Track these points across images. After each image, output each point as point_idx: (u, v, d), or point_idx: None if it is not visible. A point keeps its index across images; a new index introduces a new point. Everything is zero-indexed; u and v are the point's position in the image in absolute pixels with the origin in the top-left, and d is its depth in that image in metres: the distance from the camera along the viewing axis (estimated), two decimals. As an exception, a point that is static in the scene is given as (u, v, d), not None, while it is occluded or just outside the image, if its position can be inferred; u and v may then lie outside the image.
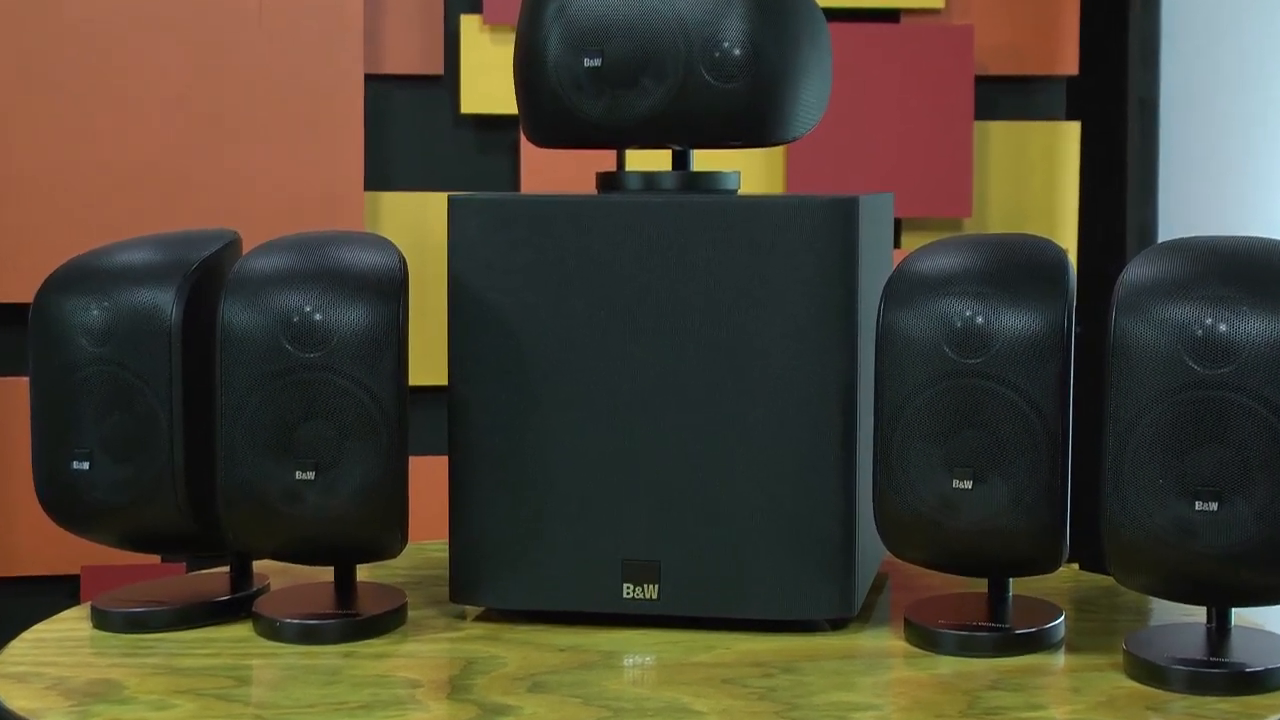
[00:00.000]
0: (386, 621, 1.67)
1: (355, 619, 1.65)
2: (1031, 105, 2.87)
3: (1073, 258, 2.79)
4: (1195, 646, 1.53)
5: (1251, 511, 1.44)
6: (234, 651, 1.62)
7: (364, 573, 1.85)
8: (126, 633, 1.67)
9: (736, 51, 1.66)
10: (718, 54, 1.66)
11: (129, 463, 1.67)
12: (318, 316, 1.60)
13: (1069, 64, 2.84)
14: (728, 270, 1.63)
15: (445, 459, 1.71)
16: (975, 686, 1.51)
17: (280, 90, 2.63)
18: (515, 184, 2.74)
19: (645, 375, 1.65)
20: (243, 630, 1.68)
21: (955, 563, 1.62)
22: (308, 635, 1.64)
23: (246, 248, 1.73)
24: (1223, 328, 1.45)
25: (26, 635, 1.68)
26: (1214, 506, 1.45)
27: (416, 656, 1.61)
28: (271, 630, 1.65)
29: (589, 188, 1.79)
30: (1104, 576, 1.83)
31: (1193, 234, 1.57)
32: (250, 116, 2.63)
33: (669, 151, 1.76)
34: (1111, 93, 2.84)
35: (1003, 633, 1.60)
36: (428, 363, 2.42)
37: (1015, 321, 1.54)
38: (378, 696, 1.49)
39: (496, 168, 2.74)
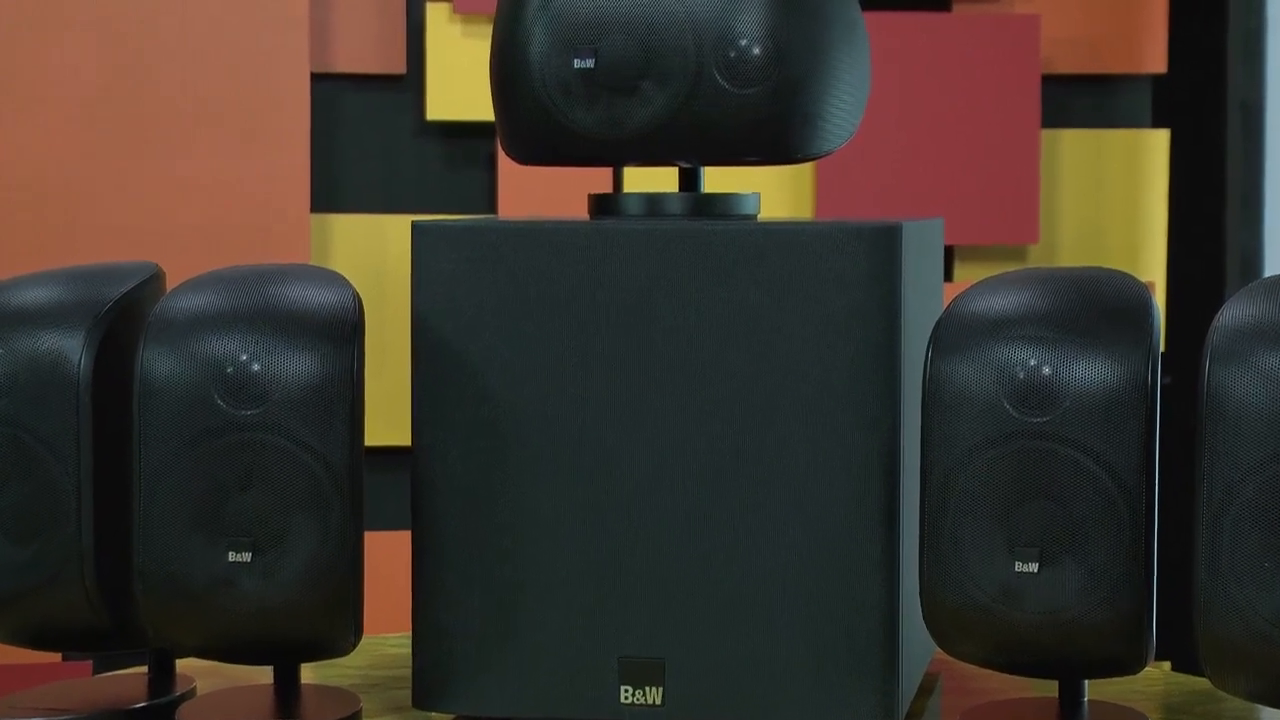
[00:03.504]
0: (337, 732, 1.68)
1: (299, 729, 1.66)
2: (1110, 109, 2.89)
3: (1160, 294, 2.81)
4: (1308, 763, 1.54)
5: (1373, 600, 1.45)
6: (153, 769, 1.63)
7: (310, 673, 1.86)
8: (24, 746, 1.68)
9: (756, 50, 1.68)
10: (733, 53, 1.68)
11: (27, 542, 1.67)
12: (256, 366, 1.61)
13: (1155, 60, 2.86)
14: (746, 312, 1.64)
15: (408, 535, 1.72)
16: (1043, 811, 1.51)
17: (210, 92, 2.64)
18: (492, 206, 2.75)
19: (647, 438, 1.66)
20: (164, 743, 1.69)
21: (1019, 661, 1.62)
22: (242, 749, 1.64)
23: (171, 284, 1.74)
24: (1338, 380, 1.46)
25: (-96, 749, 1.68)
26: (1329, 594, 1.46)
27: (372, 775, 1.62)
28: (198, 743, 1.65)
29: (580, 212, 1.80)
30: (1199, 679, 1.84)
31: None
32: (174, 124, 2.64)
33: (675, 170, 1.78)
34: (1207, 95, 2.85)
35: (1076, 746, 1.60)
36: (387, 420, 2.43)
37: (1089, 372, 1.55)
38: (326, 823, 1.49)
39: (469, 186, 2.76)
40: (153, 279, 1.76)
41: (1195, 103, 2.87)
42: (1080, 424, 1.54)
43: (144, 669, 1.82)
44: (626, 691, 1.67)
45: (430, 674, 1.70)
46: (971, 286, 1.65)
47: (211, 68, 2.64)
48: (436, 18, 2.74)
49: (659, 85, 1.68)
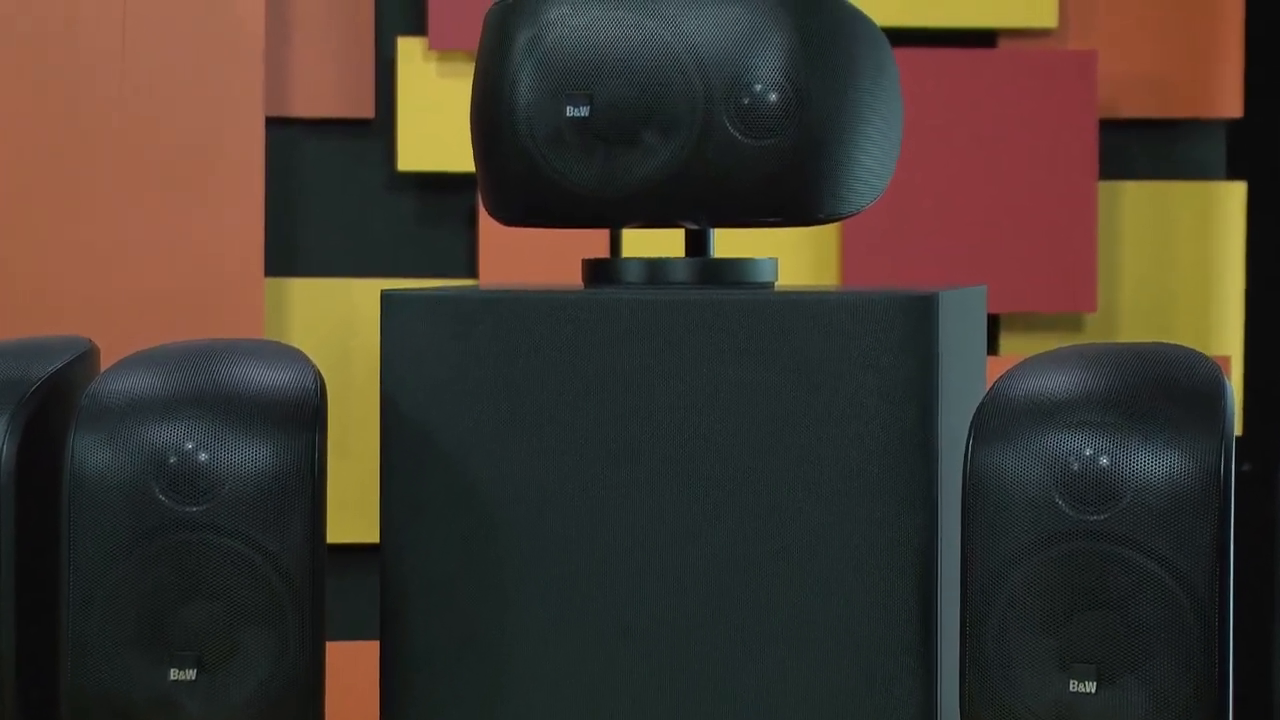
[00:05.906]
0: None
1: None
2: (1179, 158, 2.89)
3: (1235, 371, 2.81)
4: None
5: None
6: None
7: (262, 807, 1.86)
8: None
9: (773, 96, 1.68)
10: (747, 99, 1.68)
11: (-59, 656, 1.68)
12: (202, 456, 1.61)
13: (1230, 103, 2.87)
14: (762, 392, 1.65)
15: (375, 646, 1.72)
16: None
17: (150, 139, 2.65)
18: (472, 270, 2.76)
19: (649, 534, 1.66)
20: None
21: (1075, 794, 1.62)
22: None
23: (105, 361, 1.75)
24: None
25: None
26: None
27: None
28: None
29: (573, 278, 1.81)
30: (1282, 812, 1.84)
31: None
32: (108, 176, 2.65)
33: (680, 232, 1.78)
34: (1288, 142, 2.87)
35: None
36: (353, 515, 2.43)
37: (1154, 463, 1.55)
38: None
39: (447, 247, 2.77)
40: (84, 356, 1.76)
41: (1275, 151, 2.88)
42: (1143, 523, 1.55)
43: (73, 802, 1.82)
44: (625, 827, 1.67)
45: (401, 808, 1.70)
46: (1018, 364, 1.66)
47: (153, 111, 2.65)
48: (409, 55, 2.75)
49: (663, 136, 1.69)
